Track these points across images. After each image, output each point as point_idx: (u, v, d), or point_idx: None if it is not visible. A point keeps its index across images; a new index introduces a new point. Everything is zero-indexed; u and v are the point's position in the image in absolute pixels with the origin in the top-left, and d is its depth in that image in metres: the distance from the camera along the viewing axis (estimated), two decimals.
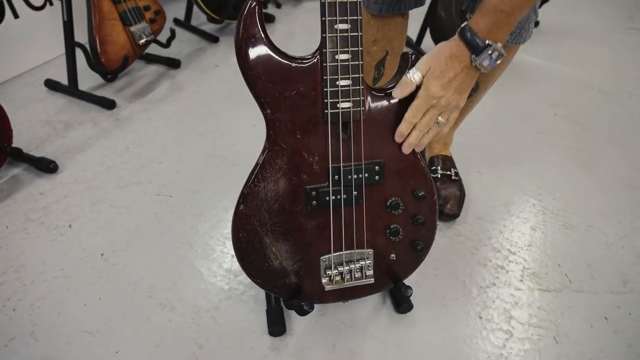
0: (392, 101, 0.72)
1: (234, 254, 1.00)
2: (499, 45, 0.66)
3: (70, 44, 1.49)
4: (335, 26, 0.64)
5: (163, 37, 1.67)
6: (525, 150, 1.42)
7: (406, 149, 0.74)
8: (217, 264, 1.01)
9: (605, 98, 1.71)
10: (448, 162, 1.21)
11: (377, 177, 0.75)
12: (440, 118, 0.72)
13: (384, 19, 0.99)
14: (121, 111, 1.52)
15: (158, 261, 1.02)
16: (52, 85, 1.60)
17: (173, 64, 1.77)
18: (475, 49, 0.66)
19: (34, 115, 1.48)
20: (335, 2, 0.63)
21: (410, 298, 0.89)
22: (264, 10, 2.14)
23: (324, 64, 0.66)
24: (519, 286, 0.99)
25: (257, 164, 0.71)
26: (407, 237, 0.81)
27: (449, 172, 1.19)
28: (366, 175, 0.74)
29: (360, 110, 0.69)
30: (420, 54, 0.73)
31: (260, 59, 0.65)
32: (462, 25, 0.68)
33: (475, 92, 1.10)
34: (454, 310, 0.93)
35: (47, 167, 1.23)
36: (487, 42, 0.66)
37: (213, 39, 1.98)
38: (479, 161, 1.35)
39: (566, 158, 1.39)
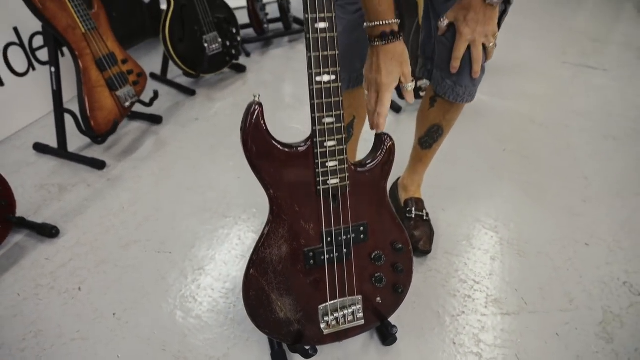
0: (369, 174, 0.88)
1: (236, 304, 1.13)
2: None
3: (60, 110, 1.58)
4: (324, 120, 0.80)
5: (146, 95, 1.79)
6: (481, 185, 1.61)
7: (474, 74, 1.05)
8: (222, 315, 1.12)
9: (545, 131, 1.95)
10: (420, 203, 1.39)
11: (362, 236, 0.90)
12: (489, 44, 0.99)
13: (351, 91, 1.16)
14: (111, 171, 1.62)
15: (167, 316, 1.12)
16: (41, 148, 1.68)
17: (155, 120, 1.88)
18: None
19: (27, 180, 1.56)
20: (323, 103, 0.79)
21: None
22: (236, 62, 2.29)
23: (315, 151, 0.81)
24: (484, 312, 1.16)
25: (262, 234, 0.85)
26: (389, 282, 0.96)
27: (421, 213, 1.36)
28: (353, 235, 0.89)
29: (346, 184, 0.85)
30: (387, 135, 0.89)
31: (264, 151, 0.79)
32: None
33: (440, 137, 1.28)
34: (432, 339, 1.09)
35: (49, 232, 1.32)
36: None
37: (190, 92, 2.11)
38: (442, 198, 1.53)
39: (517, 191, 1.59)
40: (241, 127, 0.80)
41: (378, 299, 0.97)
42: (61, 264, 1.25)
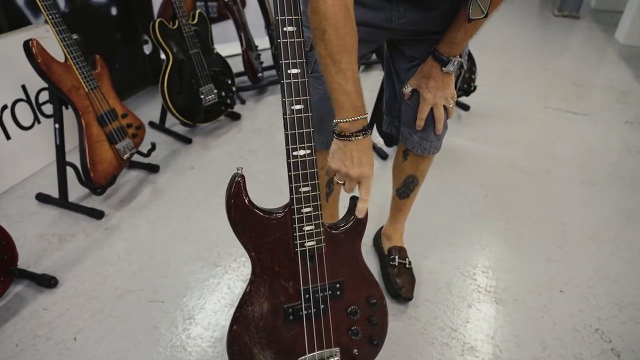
0: (343, 235, 0.96)
1: (223, 354, 1.19)
2: (458, 57, 1.06)
3: (62, 163, 1.68)
4: (300, 189, 0.88)
5: (145, 144, 1.89)
6: (461, 232, 1.69)
7: (437, 130, 1.17)
8: None
9: (526, 177, 2.04)
10: (403, 252, 1.46)
11: (338, 292, 0.97)
12: (448, 105, 1.13)
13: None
14: (109, 220, 1.70)
15: None
16: (43, 198, 1.76)
17: (153, 169, 1.98)
18: (442, 62, 1.06)
19: (29, 230, 1.63)
20: (299, 174, 0.88)
21: None
22: (232, 110, 2.41)
23: (293, 217, 0.89)
24: None
25: (245, 293, 0.92)
26: (365, 335, 1.02)
27: (404, 261, 1.43)
28: (330, 292, 0.96)
29: (322, 245, 0.93)
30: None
31: (245, 218, 0.87)
32: (434, 50, 1.07)
33: (415, 186, 1.37)
34: None
35: (48, 283, 1.39)
36: (450, 58, 1.05)
37: (187, 140, 2.22)
38: (424, 245, 1.61)
39: (496, 237, 1.67)
40: (225, 197, 0.88)
41: (355, 350, 1.03)
42: (59, 314, 1.32)
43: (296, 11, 0.79)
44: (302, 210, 0.89)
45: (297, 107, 0.84)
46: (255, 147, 2.21)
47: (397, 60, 1.20)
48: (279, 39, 0.81)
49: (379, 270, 1.49)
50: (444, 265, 1.53)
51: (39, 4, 1.50)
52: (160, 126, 2.31)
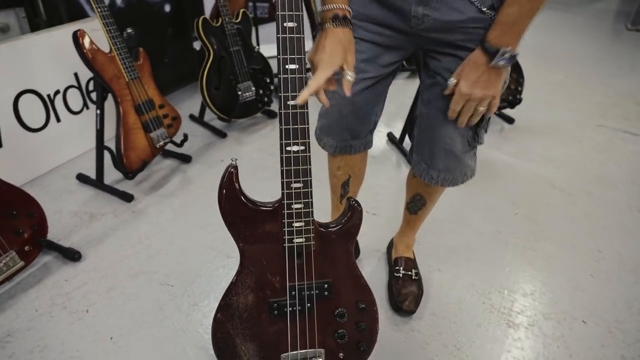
0: (335, 235, 0.94)
1: None
2: (509, 48, 0.89)
3: (100, 147, 1.78)
4: (292, 185, 0.88)
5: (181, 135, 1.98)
6: (483, 248, 1.61)
7: (459, 124, 1.01)
8: (204, 351, 1.21)
9: (565, 198, 1.92)
10: (410, 262, 1.42)
11: (326, 293, 0.96)
12: (480, 107, 0.96)
13: (343, 155, 1.24)
14: (138, 204, 1.78)
15: (157, 345, 1.22)
16: (82, 178, 1.89)
17: (185, 159, 2.06)
18: (489, 53, 0.90)
19: (65, 206, 1.75)
20: (291, 169, 0.88)
21: None
22: (268, 108, 2.45)
23: (283, 212, 0.89)
24: None
25: (231, 282, 0.94)
26: (352, 340, 1.00)
27: (409, 273, 1.39)
28: (317, 292, 0.95)
29: (311, 243, 0.92)
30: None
31: (235, 209, 0.89)
32: (482, 38, 0.92)
33: (423, 206, 1.32)
34: None
35: (72, 256, 1.48)
36: (499, 48, 0.88)
37: (222, 134, 2.29)
38: (441, 258, 1.55)
39: (520, 258, 1.58)
40: (218, 187, 0.90)
41: (341, 354, 1.01)
42: (77, 286, 1.40)
43: (297, 7, 0.80)
44: (292, 206, 0.89)
45: (293, 102, 0.84)
46: None
47: (423, 74, 1.10)
48: (279, 33, 0.81)
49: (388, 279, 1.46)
50: (457, 281, 1.47)
51: None
52: (199, 119, 2.39)
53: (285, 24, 0.81)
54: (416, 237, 1.56)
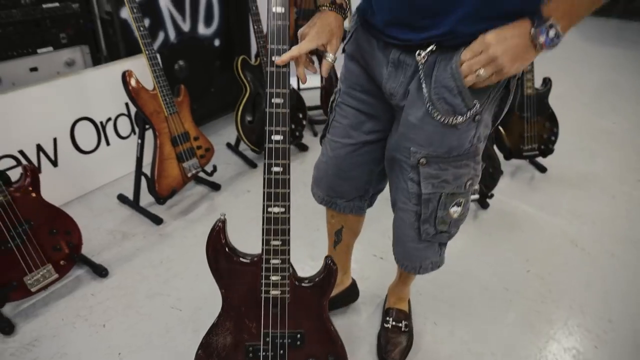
0: (309, 290, 1.02)
1: None
2: (559, 27, 0.77)
3: (139, 173, 1.98)
4: (271, 242, 0.98)
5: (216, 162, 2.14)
6: (485, 305, 1.61)
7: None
8: None
9: (584, 258, 1.86)
10: (401, 314, 1.45)
11: (298, 343, 1.04)
12: (481, 71, 0.83)
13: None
14: (166, 227, 1.95)
15: None
16: (122, 199, 2.09)
17: (215, 187, 2.22)
18: (537, 20, 0.79)
19: (103, 224, 1.95)
20: (271, 228, 0.97)
21: None
22: (301, 141, 2.58)
23: (262, 265, 0.99)
24: None
25: (213, 323, 1.04)
26: None
27: (399, 324, 1.42)
28: (289, 340, 1.03)
29: (286, 296, 1.01)
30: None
31: (220, 259, 1.00)
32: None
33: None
34: None
35: (100, 272, 1.66)
36: (549, 18, 0.78)
37: (253, 165, 2.43)
38: (438, 312, 1.57)
39: (522, 320, 1.56)
40: (207, 238, 1.01)
41: None
42: (100, 301, 1.57)
43: (285, 40, 0.88)
44: (270, 261, 0.99)
45: (277, 169, 0.94)
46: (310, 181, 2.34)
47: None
48: (266, 107, 0.92)
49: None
50: (452, 338, 1.48)
51: (140, 41, 1.82)
52: (234, 148, 2.56)
53: (273, 100, 0.91)
54: (418, 287, 1.60)
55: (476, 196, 2.08)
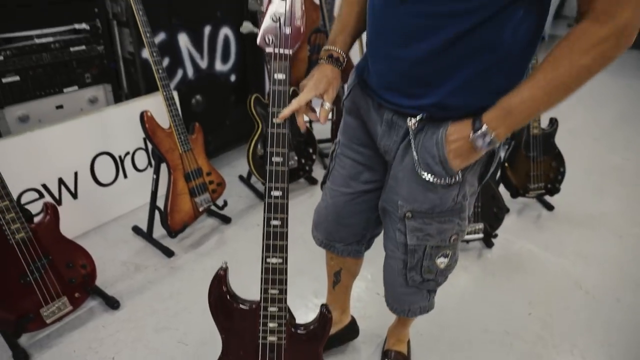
0: (305, 337, 1.07)
1: None
2: (494, 133, 0.86)
3: (153, 206, 2.07)
4: (269, 290, 1.04)
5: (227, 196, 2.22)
6: (485, 349, 1.62)
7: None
8: None
9: (589, 302, 1.86)
10: (399, 356, 1.48)
11: None
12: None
13: None
14: (177, 260, 2.03)
15: None
16: (137, 230, 2.18)
17: (225, 219, 2.29)
18: (476, 125, 0.88)
19: (118, 255, 2.04)
20: (269, 277, 1.03)
21: None
22: (311, 175, 2.65)
23: (259, 313, 1.04)
24: None
25: None
26: None
27: None
28: None
29: (282, 343, 1.06)
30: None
31: (221, 305, 1.06)
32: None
33: None
34: None
35: (112, 304, 1.74)
36: (485, 126, 0.86)
37: (263, 197, 2.51)
38: (439, 353, 1.59)
39: None
40: (209, 284, 1.08)
41: None
42: (110, 333, 1.64)
43: (284, 144, 0.96)
44: (268, 309, 1.04)
45: (275, 222, 1.01)
46: None
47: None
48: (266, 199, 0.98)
49: None
50: None
51: (158, 83, 1.93)
52: (246, 180, 2.64)
53: (273, 159, 0.98)
54: (418, 327, 1.62)
55: (480, 235, 2.10)
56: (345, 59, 1.08)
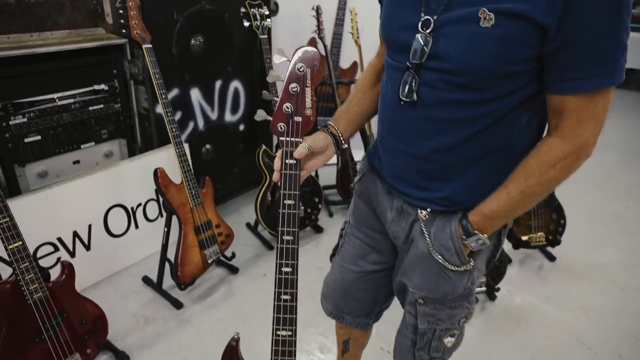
0: None
1: None
2: (485, 235, 0.94)
3: (163, 258, 2.13)
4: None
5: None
6: None
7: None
8: None
9: (591, 358, 1.87)
10: None
11: None
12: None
13: None
14: (185, 312, 2.07)
15: None
16: (147, 280, 2.24)
17: (233, 270, 2.35)
18: (466, 232, 0.96)
19: (128, 307, 2.09)
20: (279, 349, 1.08)
21: None
22: (317, 223, 2.71)
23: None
24: None
25: None
26: None
27: None
28: None
29: None
30: None
31: None
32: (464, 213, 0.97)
33: None
34: None
35: (122, 359, 1.77)
36: (475, 231, 0.94)
37: (270, 247, 2.57)
38: None
39: None
40: (222, 353, 1.13)
41: None
42: None
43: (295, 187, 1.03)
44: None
45: (285, 297, 1.07)
46: (324, 264, 2.45)
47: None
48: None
49: None
50: None
51: (172, 140, 2.03)
52: (253, 229, 2.71)
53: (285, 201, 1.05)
54: None
55: (483, 289, 2.14)
56: (343, 144, 1.12)
